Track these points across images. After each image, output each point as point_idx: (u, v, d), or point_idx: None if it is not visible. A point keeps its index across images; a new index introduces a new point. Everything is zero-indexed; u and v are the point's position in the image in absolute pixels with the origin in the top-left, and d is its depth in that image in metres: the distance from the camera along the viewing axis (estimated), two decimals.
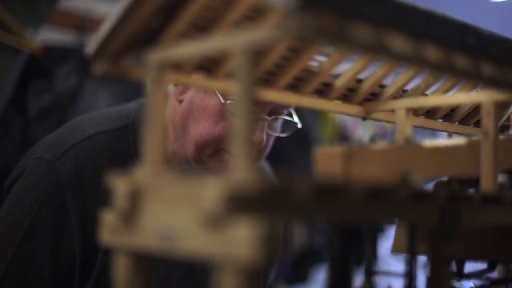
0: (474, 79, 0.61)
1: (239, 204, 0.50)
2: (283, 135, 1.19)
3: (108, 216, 0.60)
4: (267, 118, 1.13)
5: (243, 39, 0.52)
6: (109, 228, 0.60)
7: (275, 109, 1.15)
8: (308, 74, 0.76)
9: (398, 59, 0.55)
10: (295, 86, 0.77)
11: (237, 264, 0.49)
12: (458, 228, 0.66)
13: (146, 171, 0.60)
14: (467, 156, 0.75)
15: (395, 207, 0.59)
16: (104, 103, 2.12)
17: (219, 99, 1.11)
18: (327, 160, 0.64)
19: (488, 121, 0.72)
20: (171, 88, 1.20)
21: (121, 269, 0.60)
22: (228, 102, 1.10)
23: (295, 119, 1.19)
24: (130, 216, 0.58)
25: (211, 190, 0.51)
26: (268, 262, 0.49)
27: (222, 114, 1.12)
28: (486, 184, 0.72)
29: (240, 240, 0.49)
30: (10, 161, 1.95)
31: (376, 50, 0.54)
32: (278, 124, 1.19)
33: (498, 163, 0.72)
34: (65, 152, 1.16)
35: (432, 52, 0.57)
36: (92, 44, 0.64)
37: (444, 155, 0.73)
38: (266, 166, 1.41)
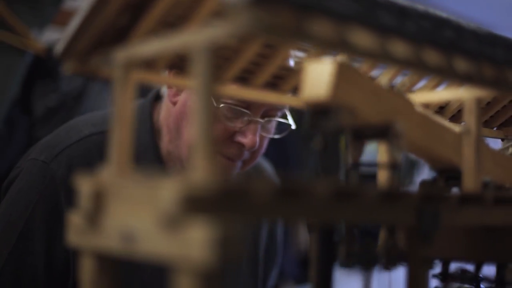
0: (446, 75, 0.59)
1: (195, 205, 0.48)
2: (277, 136, 1.18)
3: (74, 217, 0.60)
4: (260, 120, 1.12)
5: (200, 36, 0.51)
6: (75, 229, 0.59)
7: (269, 111, 1.13)
8: (287, 72, 0.75)
9: (361, 55, 0.54)
10: (273, 85, 0.76)
11: (192, 266, 0.48)
12: (437, 229, 0.65)
13: (111, 172, 0.59)
14: (455, 144, 0.72)
15: (365, 207, 0.57)
16: (109, 104, 2.11)
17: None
18: (316, 75, 0.61)
19: (470, 118, 0.71)
20: (165, 90, 1.19)
21: (86, 270, 0.59)
22: (222, 105, 1.09)
23: (290, 120, 1.17)
24: (94, 217, 0.57)
25: (167, 191, 0.49)
26: (225, 264, 0.47)
27: (215, 116, 1.11)
28: (468, 183, 0.70)
29: (195, 242, 0.48)
30: (16, 161, 1.96)
31: (337, 46, 0.52)
32: (272, 126, 1.17)
33: (482, 163, 0.71)
34: (60, 153, 1.16)
35: (400, 48, 0.56)
36: (60, 43, 0.63)
37: (434, 128, 0.71)
38: (267, 166, 1.39)
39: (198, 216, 0.48)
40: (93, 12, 0.61)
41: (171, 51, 0.55)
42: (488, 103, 0.91)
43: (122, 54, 0.59)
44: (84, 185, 0.58)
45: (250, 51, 0.69)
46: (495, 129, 0.94)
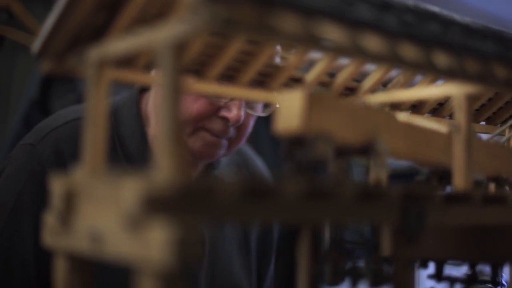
0: (425, 70, 0.57)
1: (156, 205, 0.47)
2: (263, 115, 1.16)
3: (48, 217, 0.59)
4: None
5: (163, 34, 0.50)
6: (49, 229, 0.59)
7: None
8: (275, 69, 0.74)
9: (333, 51, 0.53)
10: (262, 82, 0.74)
11: (151, 268, 0.47)
12: (422, 228, 0.63)
13: (84, 172, 0.59)
14: (444, 146, 0.70)
15: (341, 208, 0.56)
16: None
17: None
18: (288, 105, 0.59)
19: (460, 115, 0.69)
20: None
21: (59, 271, 0.58)
22: None
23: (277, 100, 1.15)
24: (66, 218, 0.57)
25: (129, 191, 0.49)
26: (185, 266, 0.46)
27: (198, 93, 1.10)
28: (459, 182, 0.68)
29: (154, 243, 0.47)
30: None
31: (304, 41, 0.51)
32: (259, 105, 1.16)
33: (472, 161, 0.69)
34: (46, 135, 1.19)
35: (373, 42, 0.54)
36: (36, 42, 0.63)
37: (420, 135, 0.69)
38: (260, 163, 1.38)
39: (159, 216, 0.47)
40: (67, 11, 0.60)
41: (138, 48, 0.54)
42: (490, 99, 0.89)
43: (95, 52, 0.59)
44: (57, 185, 0.58)
45: (233, 48, 0.68)
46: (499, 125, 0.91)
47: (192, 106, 1.11)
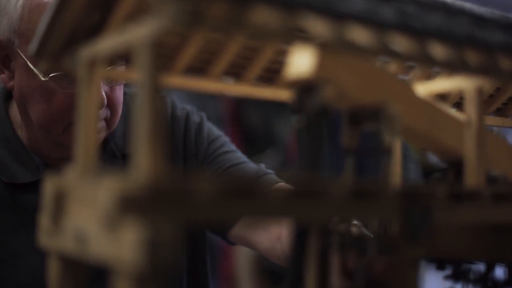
0: (421, 62, 0.55)
1: (129, 205, 0.47)
2: (124, 82, 1.11)
3: (43, 218, 0.59)
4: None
5: (138, 32, 0.50)
6: (43, 230, 0.59)
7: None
8: (280, 65, 0.72)
9: (317, 44, 0.51)
10: (269, 79, 0.73)
11: (125, 269, 0.46)
12: (426, 227, 0.60)
13: (75, 172, 0.58)
14: (461, 134, 0.67)
15: (330, 206, 0.54)
16: None
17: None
18: (301, 56, 0.57)
19: (470, 110, 0.66)
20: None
21: (52, 271, 0.58)
22: (50, 76, 1.02)
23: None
24: (56, 218, 0.57)
25: (104, 191, 0.48)
26: (156, 267, 0.45)
27: (51, 90, 1.05)
28: (471, 178, 0.65)
29: (127, 243, 0.46)
30: None
31: (286, 36, 0.49)
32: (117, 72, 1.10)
33: (485, 156, 0.66)
34: None
35: (361, 34, 0.52)
36: (33, 42, 0.63)
37: (437, 116, 0.66)
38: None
39: (132, 216, 0.46)
40: (59, 11, 0.60)
41: (120, 47, 0.54)
42: (498, 88, 0.83)
43: (85, 52, 0.58)
44: (48, 186, 0.58)
45: (236, 44, 0.66)
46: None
47: (51, 106, 1.06)
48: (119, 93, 1.13)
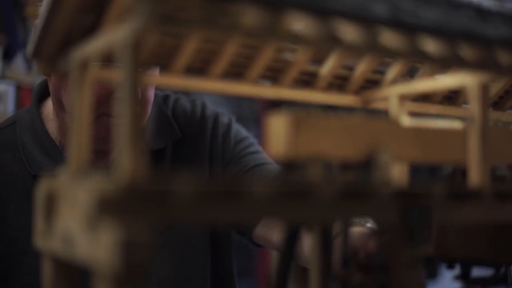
0: (413, 58, 0.53)
1: (107, 206, 0.46)
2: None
3: (37, 220, 0.59)
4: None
5: (118, 34, 0.49)
6: (38, 231, 0.59)
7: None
8: (285, 64, 0.71)
9: (303, 43, 0.50)
10: (273, 78, 0.72)
11: (102, 270, 0.46)
12: (424, 227, 0.59)
13: (68, 174, 0.58)
14: (461, 143, 0.66)
15: (319, 207, 0.53)
16: None
17: None
18: (276, 130, 0.56)
19: (474, 106, 0.64)
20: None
21: (45, 273, 0.58)
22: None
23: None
24: (48, 220, 0.57)
25: (85, 192, 0.48)
26: (131, 269, 0.45)
27: (95, 79, 1.08)
28: (474, 176, 0.64)
29: (104, 245, 0.46)
30: None
31: (268, 34, 0.48)
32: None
33: (489, 153, 0.64)
34: None
35: (348, 31, 0.51)
36: (29, 44, 0.63)
37: (431, 136, 0.64)
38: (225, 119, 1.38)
39: (109, 218, 0.46)
40: (51, 13, 0.60)
41: (104, 48, 0.54)
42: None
43: (77, 53, 0.58)
44: (41, 187, 0.58)
45: (234, 43, 0.66)
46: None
47: None
48: (150, 93, 1.17)
